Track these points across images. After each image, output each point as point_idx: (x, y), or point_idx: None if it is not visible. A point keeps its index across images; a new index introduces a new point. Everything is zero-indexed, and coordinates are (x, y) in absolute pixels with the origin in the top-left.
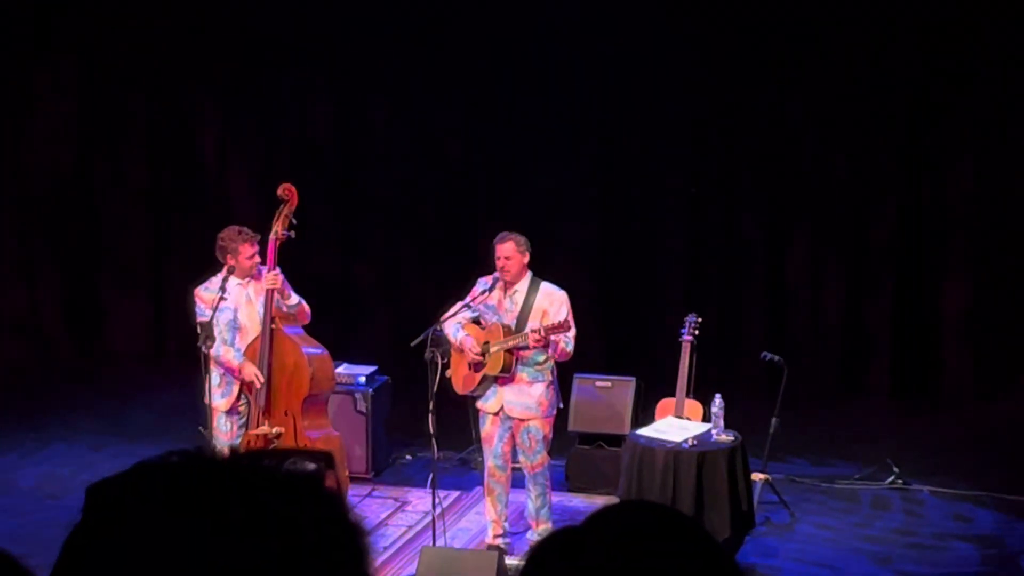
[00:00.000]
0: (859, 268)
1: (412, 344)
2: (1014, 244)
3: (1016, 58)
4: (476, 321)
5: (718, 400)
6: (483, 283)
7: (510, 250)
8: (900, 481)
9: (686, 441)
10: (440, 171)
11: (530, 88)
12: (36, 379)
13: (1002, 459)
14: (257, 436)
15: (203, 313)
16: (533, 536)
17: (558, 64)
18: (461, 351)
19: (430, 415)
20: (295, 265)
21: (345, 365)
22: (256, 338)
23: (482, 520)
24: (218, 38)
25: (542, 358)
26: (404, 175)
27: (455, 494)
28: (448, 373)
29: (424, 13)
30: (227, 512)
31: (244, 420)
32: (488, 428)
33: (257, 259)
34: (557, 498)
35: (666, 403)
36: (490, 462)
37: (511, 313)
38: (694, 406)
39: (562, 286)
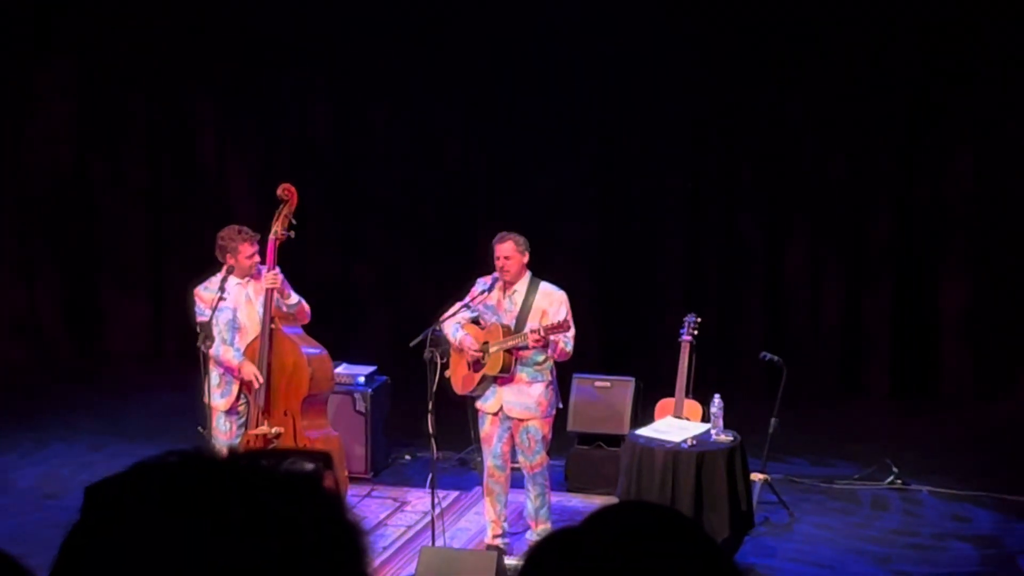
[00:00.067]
0: (858, 268)
1: (411, 344)
2: (1013, 244)
3: (1016, 58)
4: (475, 321)
5: (717, 400)
6: (482, 283)
7: (509, 250)
8: (899, 481)
9: (685, 441)
10: (440, 171)
11: (530, 88)
12: (35, 379)
13: (1001, 459)
14: (256, 436)
15: (202, 313)
16: (532, 536)
17: (558, 64)
18: (460, 351)
19: (429, 415)
20: (294, 265)
21: (344, 365)
22: (255, 338)
23: (481, 520)
24: (218, 38)
25: (541, 358)
26: (404, 175)
27: (454, 494)
28: (447, 373)
29: (424, 13)
30: (226, 512)
31: (243, 420)
32: (487, 428)
33: (257, 259)
34: (556, 498)
35: (665, 403)
36: (489, 462)
37: (510, 313)
38: (693, 406)
39: (561, 286)
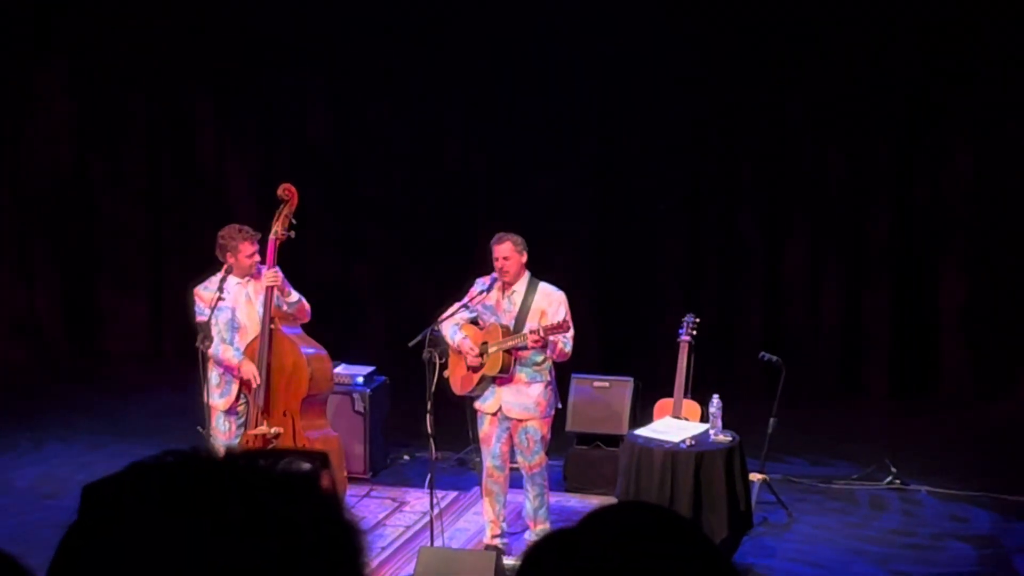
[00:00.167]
0: (858, 268)
1: (410, 344)
2: (1013, 243)
3: (1016, 58)
4: (474, 321)
5: (716, 400)
6: (481, 283)
7: (508, 250)
8: (898, 481)
9: (684, 441)
10: (440, 171)
11: (530, 88)
12: (35, 379)
13: (1000, 459)
14: (256, 436)
15: (202, 312)
16: (531, 536)
17: (558, 64)
18: (459, 353)
19: (428, 415)
20: (294, 265)
21: (343, 365)
22: (255, 338)
23: (480, 520)
24: (218, 38)
25: (540, 358)
26: (404, 175)
27: (453, 494)
28: (446, 374)
29: (424, 13)
30: (224, 512)
31: (243, 420)
32: (486, 428)
33: (257, 258)
34: (555, 498)
35: (664, 403)
36: (488, 462)
37: (509, 313)
38: (692, 406)
39: (561, 286)
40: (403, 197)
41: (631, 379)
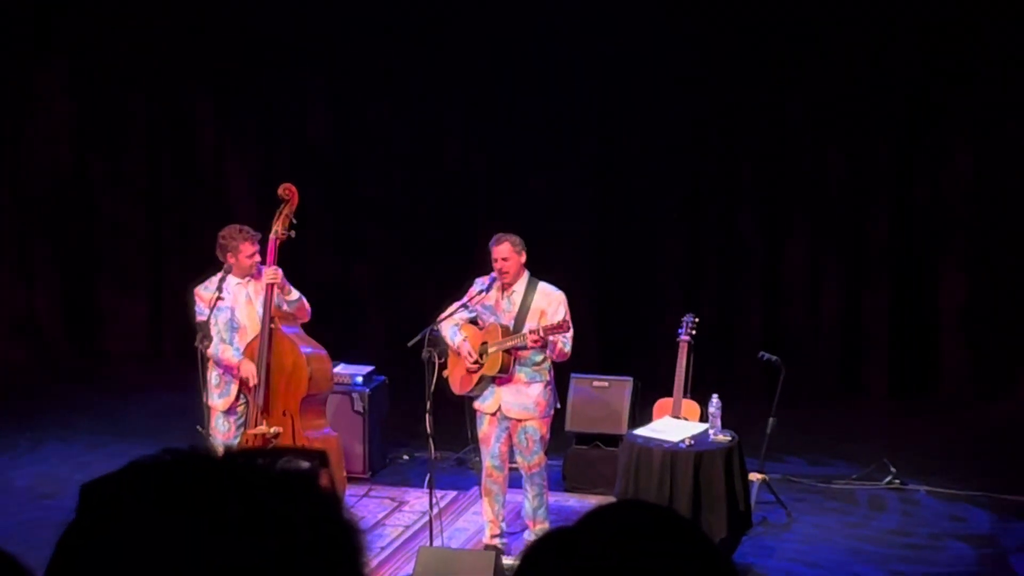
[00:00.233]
0: (858, 268)
1: (409, 344)
2: (1013, 243)
3: (1016, 58)
4: (473, 321)
5: (715, 400)
6: (480, 283)
7: (507, 251)
8: (897, 481)
9: (683, 441)
10: (440, 171)
11: (530, 88)
12: (34, 379)
13: (999, 459)
14: (255, 436)
15: (201, 312)
16: (530, 536)
17: (558, 64)
18: (458, 354)
19: (427, 415)
20: (294, 265)
21: (342, 365)
22: (255, 337)
23: (479, 520)
24: (218, 38)
25: (540, 358)
26: (404, 175)
27: (452, 494)
28: (445, 373)
29: (424, 13)
30: (223, 510)
31: (242, 420)
32: (485, 428)
33: (257, 258)
34: (554, 498)
35: (663, 403)
36: (487, 462)
37: (509, 313)
38: (691, 406)
39: (560, 286)
40: (403, 197)
41: (630, 379)
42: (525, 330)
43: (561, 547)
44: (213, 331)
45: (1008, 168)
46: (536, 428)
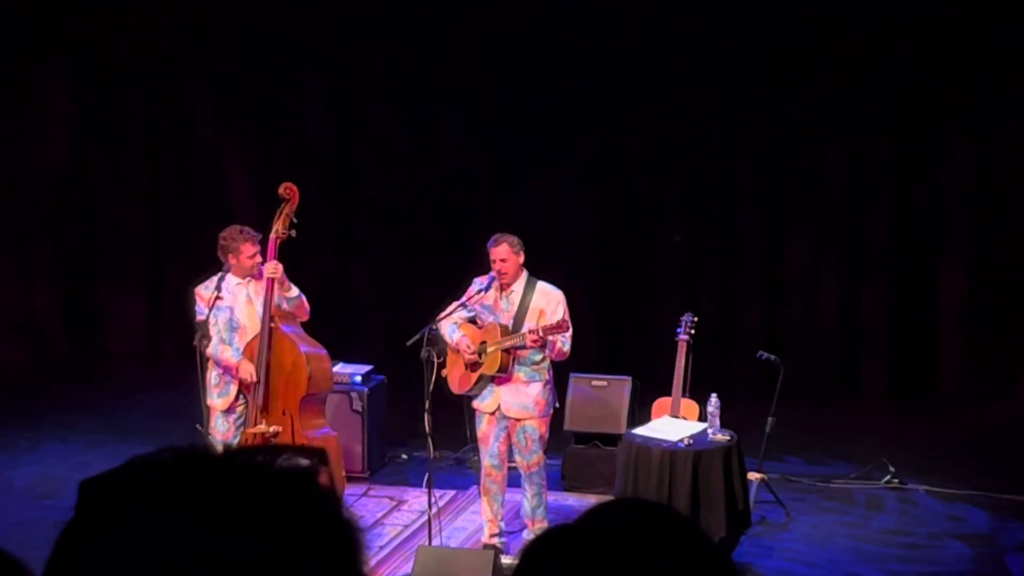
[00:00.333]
0: (857, 267)
1: (408, 344)
2: (1012, 243)
3: (1016, 58)
4: (472, 321)
5: (714, 399)
6: (479, 283)
7: (505, 252)
8: (896, 480)
9: (682, 440)
10: (440, 171)
11: (530, 88)
12: (34, 379)
13: (998, 459)
14: (254, 435)
15: (201, 311)
16: (529, 535)
17: (558, 64)
18: (457, 351)
19: (426, 414)
20: (294, 265)
21: (341, 364)
22: (255, 336)
23: (478, 519)
24: (218, 38)
25: (539, 357)
26: (404, 175)
27: (451, 493)
28: (444, 373)
29: (424, 13)
30: (222, 507)
31: (242, 420)
32: (484, 427)
33: (258, 259)
34: (553, 497)
35: (662, 402)
36: (486, 461)
37: (507, 313)
38: (690, 405)
39: (560, 285)
40: (403, 197)
41: (629, 378)
42: (524, 329)
43: (560, 545)
44: (212, 331)
45: (1008, 168)
46: (535, 427)
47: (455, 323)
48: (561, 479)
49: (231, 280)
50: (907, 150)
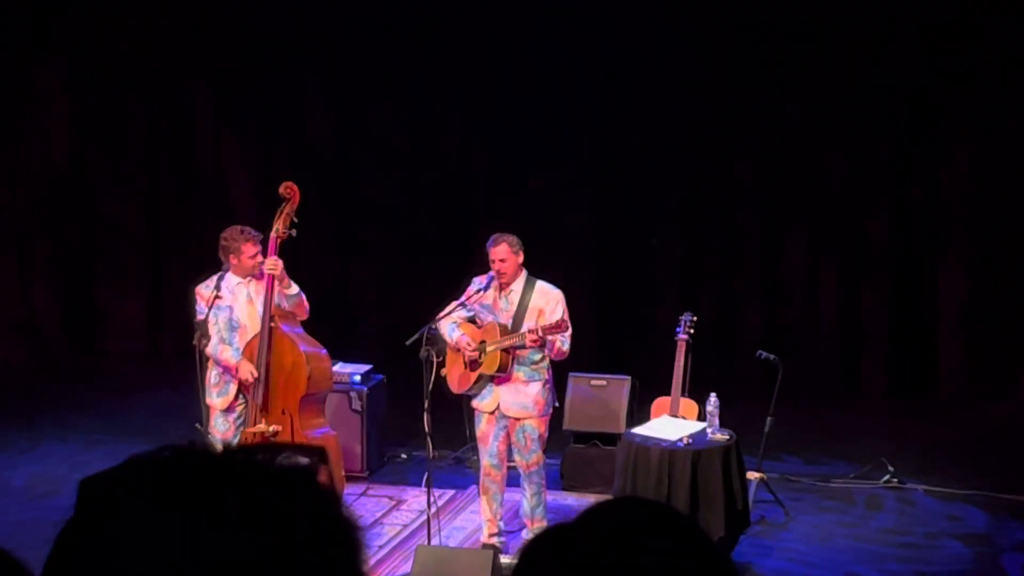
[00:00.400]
0: (857, 267)
1: (407, 343)
2: (1012, 243)
3: (1016, 58)
4: (472, 320)
5: (713, 399)
6: (478, 282)
7: (504, 252)
8: (895, 480)
9: (681, 440)
10: (440, 171)
11: (530, 88)
12: (34, 378)
13: (998, 458)
14: (254, 434)
15: (201, 311)
16: (528, 535)
17: (558, 64)
18: (457, 350)
19: (425, 414)
20: (294, 265)
21: (340, 364)
22: (255, 336)
23: (477, 519)
24: (218, 38)
25: (538, 357)
26: (404, 175)
27: (450, 493)
28: (443, 372)
29: (424, 13)
30: (221, 506)
31: (241, 420)
32: (483, 427)
33: (259, 259)
34: (552, 497)
35: (661, 402)
36: (486, 461)
37: (507, 312)
38: (689, 405)
39: (560, 285)
40: (403, 197)
41: (628, 377)
42: (523, 329)
43: (559, 544)
44: (212, 330)
45: (1008, 168)
46: (534, 427)
47: (455, 322)
48: (560, 478)
49: (231, 279)
50: (907, 150)
